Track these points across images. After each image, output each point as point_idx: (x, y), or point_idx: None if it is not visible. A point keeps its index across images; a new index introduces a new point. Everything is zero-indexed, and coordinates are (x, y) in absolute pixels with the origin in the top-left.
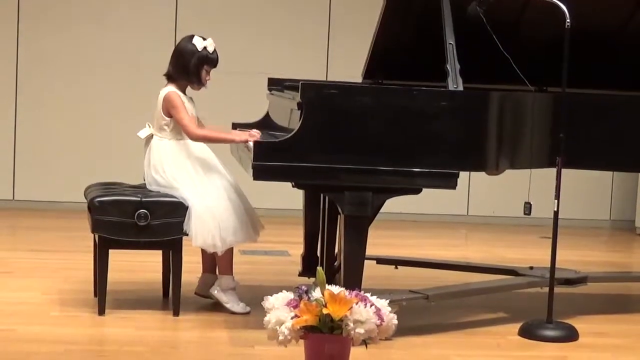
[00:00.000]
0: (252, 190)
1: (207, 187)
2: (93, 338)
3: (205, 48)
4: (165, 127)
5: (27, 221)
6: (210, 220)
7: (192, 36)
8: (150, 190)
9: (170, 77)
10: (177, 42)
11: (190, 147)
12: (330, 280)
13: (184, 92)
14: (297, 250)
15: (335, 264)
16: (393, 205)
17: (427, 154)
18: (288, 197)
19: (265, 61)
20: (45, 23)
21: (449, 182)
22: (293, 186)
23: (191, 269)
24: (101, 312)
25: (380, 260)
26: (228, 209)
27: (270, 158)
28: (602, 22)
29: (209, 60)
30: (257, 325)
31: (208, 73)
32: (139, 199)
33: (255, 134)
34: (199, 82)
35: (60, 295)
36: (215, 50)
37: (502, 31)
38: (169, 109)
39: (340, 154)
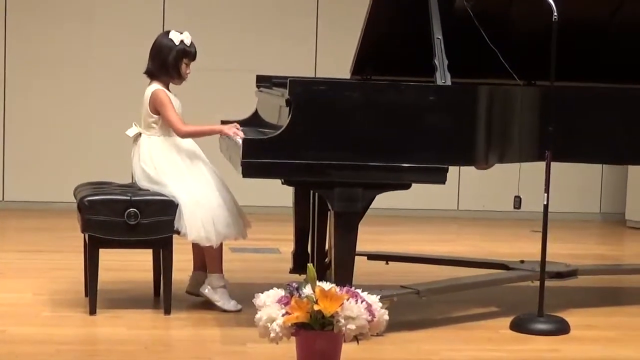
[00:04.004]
0: (242, 187)
1: (198, 182)
2: (85, 338)
3: (182, 42)
4: (154, 125)
5: (17, 222)
6: (202, 214)
7: (169, 31)
8: (140, 189)
9: (152, 74)
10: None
11: (179, 143)
12: (321, 276)
13: (168, 89)
14: (288, 247)
15: (326, 260)
16: (383, 200)
17: (416, 149)
18: (278, 194)
19: (253, 58)
20: (33, 22)
21: (439, 177)
22: (282, 183)
23: (182, 268)
24: (92, 311)
25: (371, 256)
26: (219, 202)
27: (259, 155)
28: (590, 15)
29: (187, 53)
30: (249, 323)
31: (188, 66)
32: (128, 197)
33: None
34: (179, 77)
35: (51, 295)
36: (192, 43)
37: (489, 25)
38: (156, 107)
39: (329, 150)
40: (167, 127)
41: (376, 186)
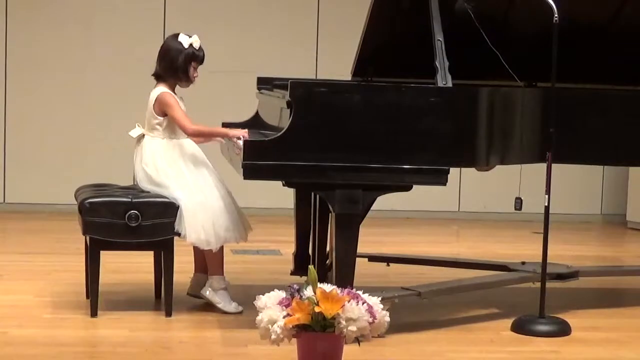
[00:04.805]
0: (243, 189)
1: (200, 184)
2: (86, 340)
3: (191, 45)
4: (158, 127)
5: (18, 224)
6: (202, 217)
7: (178, 34)
8: (141, 191)
9: (159, 77)
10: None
11: (182, 146)
12: (322, 278)
13: (174, 91)
14: (289, 249)
15: (327, 262)
16: (384, 202)
17: (417, 151)
18: (279, 196)
19: (254, 60)
20: (34, 25)
21: (439, 178)
22: (283, 185)
23: (183, 270)
24: (93, 313)
25: (372, 258)
26: (221, 206)
27: (260, 157)
28: (591, 17)
29: (196, 57)
30: (250, 325)
31: (195, 70)
32: (129, 199)
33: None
34: (187, 80)
35: (52, 297)
36: (201, 47)
37: (490, 27)
38: (163, 109)
39: (330, 152)
40: (171, 130)
41: (377, 188)
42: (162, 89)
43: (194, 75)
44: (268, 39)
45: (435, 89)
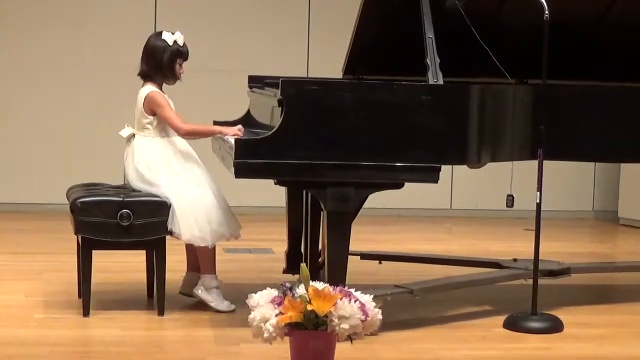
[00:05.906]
0: (234, 188)
1: (192, 182)
2: (78, 339)
3: (175, 42)
4: (149, 126)
5: (10, 224)
6: (196, 214)
7: (161, 32)
8: (133, 190)
9: (146, 76)
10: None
11: (173, 144)
12: (315, 276)
13: (161, 90)
14: (281, 247)
15: (319, 260)
16: (376, 200)
17: (408, 149)
18: (271, 194)
19: (245, 58)
20: (23, 25)
21: (431, 176)
22: (275, 183)
23: (175, 268)
24: (86, 313)
25: (364, 256)
26: (214, 202)
27: (252, 155)
28: (582, 13)
29: (181, 53)
30: (242, 323)
31: (181, 66)
32: (121, 199)
33: (241, 129)
34: (173, 77)
35: (44, 297)
36: (184, 43)
37: (481, 24)
38: (153, 108)
39: (321, 150)
40: (162, 128)
41: (369, 186)
42: (150, 88)
43: (180, 72)
44: (259, 38)
45: (426, 87)
